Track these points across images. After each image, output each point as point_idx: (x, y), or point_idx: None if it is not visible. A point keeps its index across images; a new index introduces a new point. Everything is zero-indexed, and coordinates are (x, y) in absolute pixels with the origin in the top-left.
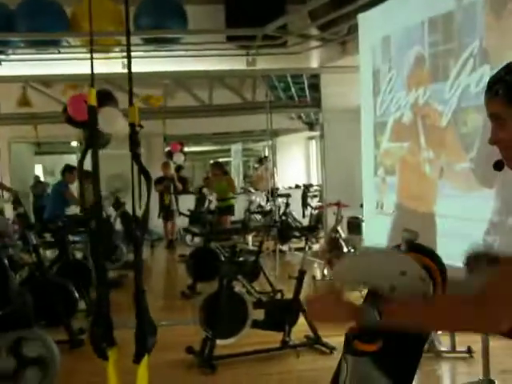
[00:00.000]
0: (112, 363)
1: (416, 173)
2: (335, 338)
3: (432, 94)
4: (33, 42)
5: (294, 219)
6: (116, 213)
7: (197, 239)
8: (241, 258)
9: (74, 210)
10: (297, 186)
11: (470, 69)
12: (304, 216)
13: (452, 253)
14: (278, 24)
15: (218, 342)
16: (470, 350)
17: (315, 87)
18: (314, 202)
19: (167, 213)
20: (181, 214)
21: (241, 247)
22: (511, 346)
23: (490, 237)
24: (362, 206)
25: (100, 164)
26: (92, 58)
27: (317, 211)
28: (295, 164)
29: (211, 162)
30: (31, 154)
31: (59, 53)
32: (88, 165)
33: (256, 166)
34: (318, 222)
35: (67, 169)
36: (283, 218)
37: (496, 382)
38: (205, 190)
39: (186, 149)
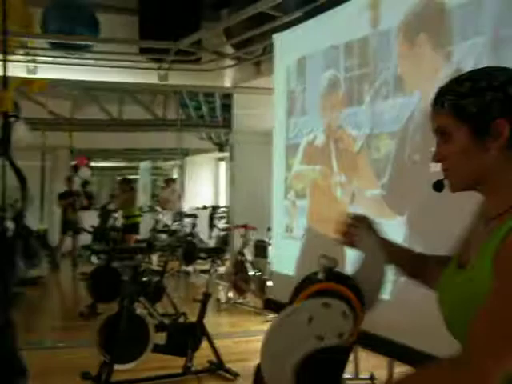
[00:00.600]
0: None
1: (327, 196)
2: (239, 364)
3: (346, 118)
4: None
5: (201, 240)
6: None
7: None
8: (144, 278)
9: None
10: (204, 207)
11: (384, 94)
12: (210, 237)
13: None
14: (192, 39)
15: (117, 366)
16: (372, 377)
17: (227, 108)
18: (221, 224)
19: (70, 229)
20: (84, 230)
21: (145, 267)
22: None
23: None
24: (269, 229)
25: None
26: (5, 60)
27: (223, 233)
28: (204, 184)
29: (118, 178)
30: None
31: None
32: None
33: (163, 185)
34: (224, 243)
35: None
36: (189, 238)
37: None
38: (110, 207)
39: (93, 163)
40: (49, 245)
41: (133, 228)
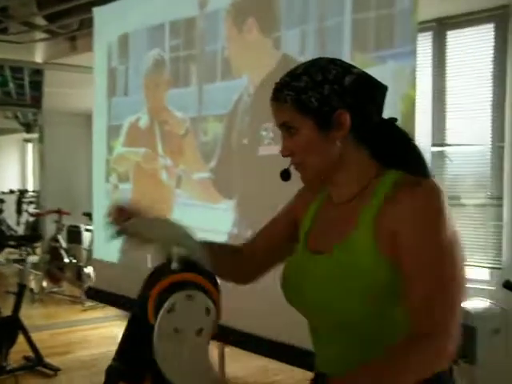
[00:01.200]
0: None
1: (152, 180)
2: (59, 358)
3: (171, 100)
4: None
5: (9, 227)
6: None
7: None
8: None
9: None
10: (11, 191)
11: (211, 77)
12: (19, 224)
13: None
14: None
15: None
16: None
17: (37, 85)
18: (31, 209)
19: None
20: None
21: None
22: None
23: None
24: (85, 214)
25: None
26: None
27: (33, 218)
28: (9, 167)
29: None
30: None
31: None
32: None
33: None
34: (34, 230)
35: None
36: None
37: None
38: None
39: None
40: None
41: None
